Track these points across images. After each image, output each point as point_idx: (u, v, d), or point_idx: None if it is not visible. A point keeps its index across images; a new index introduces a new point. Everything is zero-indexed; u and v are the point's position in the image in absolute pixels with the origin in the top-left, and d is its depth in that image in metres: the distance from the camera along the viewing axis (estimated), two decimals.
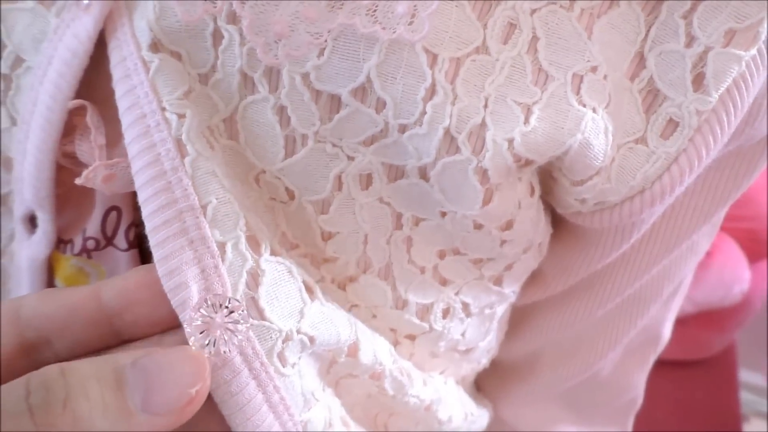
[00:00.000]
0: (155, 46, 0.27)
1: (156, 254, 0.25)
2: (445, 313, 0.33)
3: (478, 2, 0.25)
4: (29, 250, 0.33)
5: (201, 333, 0.25)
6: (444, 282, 0.32)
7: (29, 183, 0.31)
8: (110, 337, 0.25)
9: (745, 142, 0.30)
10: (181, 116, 0.26)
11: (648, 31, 0.27)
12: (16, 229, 0.33)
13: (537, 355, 0.42)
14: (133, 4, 0.27)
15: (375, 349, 0.32)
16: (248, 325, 0.26)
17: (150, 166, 0.26)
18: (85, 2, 0.27)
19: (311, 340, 0.28)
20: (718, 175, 0.32)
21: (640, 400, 0.44)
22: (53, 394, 0.22)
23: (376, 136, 0.27)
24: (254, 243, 0.28)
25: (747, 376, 1.11)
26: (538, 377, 0.42)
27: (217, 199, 0.27)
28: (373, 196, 0.28)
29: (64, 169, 0.31)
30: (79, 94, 0.29)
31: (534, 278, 0.38)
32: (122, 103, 0.27)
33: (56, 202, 0.32)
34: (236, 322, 0.26)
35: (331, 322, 0.29)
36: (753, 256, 1.01)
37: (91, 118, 0.29)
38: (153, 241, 0.26)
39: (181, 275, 0.25)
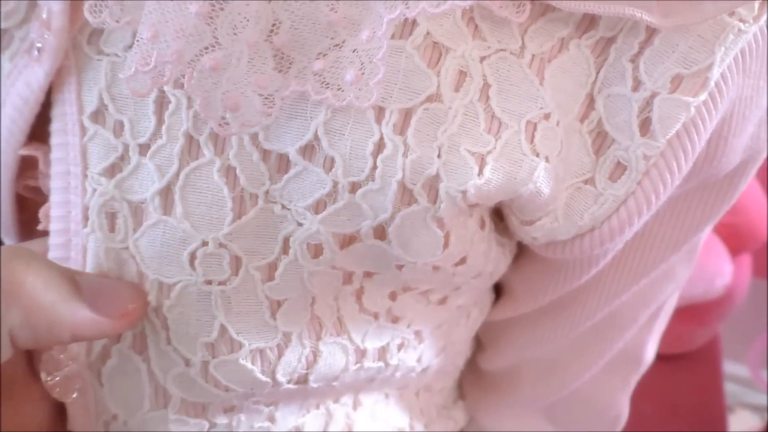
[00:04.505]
0: (97, 115, 0.27)
1: None
2: (400, 347, 0.33)
3: (426, 51, 0.25)
4: None
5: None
6: (396, 320, 0.32)
7: None
8: None
9: (709, 177, 0.30)
10: (95, 190, 0.27)
11: (598, 73, 0.27)
12: None
13: (516, 369, 0.42)
14: (82, 64, 0.27)
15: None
16: None
17: (61, 220, 0.28)
18: (36, 53, 0.26)
19: None
20: (686, 206, 0.32)
21: (623, 418, 0.45)
22: (18, 256, 0.25)
23: (324, 199, 0.26)
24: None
25: (731, 367, 1.12)
26: (518, 391, 0.42)
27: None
28: (323, 265, 0.27)
29: (28, 197, 0.32)
30: (35, 131, 0.29)
31: (505, 296, 0.38)
32: (55, 151, 0.28)
33: (21, 226, 0.33)
34: None
35: None
36: (734, 250, 1.01)
37: (44, 165, 0.29)
38: None
39: None
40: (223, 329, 0.29)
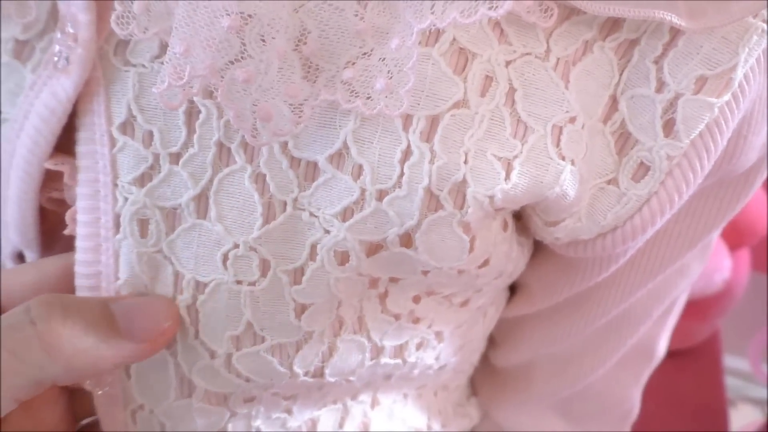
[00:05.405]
0: (126, 126, 0.27)
1: None
2: (419, 346, 0.34)
3: (453, 58, 0.25)
4: None
5: None
6: (417, 321, 0.33)
7: (14, 226, 0.31)
8: None
9: (727, 175, 0.31)
10: (126, 199, 0.28)
11: (621, 74, 0.27)
12: (5, 263, 0.34)
13: (530, 365, 0.42)
14: (110, 75, 0.27)
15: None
16: None
17: (89, 224, 0.29)
18: (64, 63, 0.27)
19: None
20: (702, 203, 0.33)
21: (635, 412, 0.45)
22: (54, 309, 0.27)
23: (352, 207, 0.26)
24: None
25: (731, 361, 1.12)
26: (531, 387, 0.43)
27: (131, 286, 0.29)
28: (350, 272, 0.28)
29: (50, 209, 0.32)
30: (60, 141, 0.29)
31: (521, 292, 0.38)
32: (82, 159, 0.28)
33: (43, 237, 0.33)
34: None
35: None
36: (733, 245, 1.01)
37: (70, 177, 0.29)
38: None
39: None
40: (248, 325, 0.30)
